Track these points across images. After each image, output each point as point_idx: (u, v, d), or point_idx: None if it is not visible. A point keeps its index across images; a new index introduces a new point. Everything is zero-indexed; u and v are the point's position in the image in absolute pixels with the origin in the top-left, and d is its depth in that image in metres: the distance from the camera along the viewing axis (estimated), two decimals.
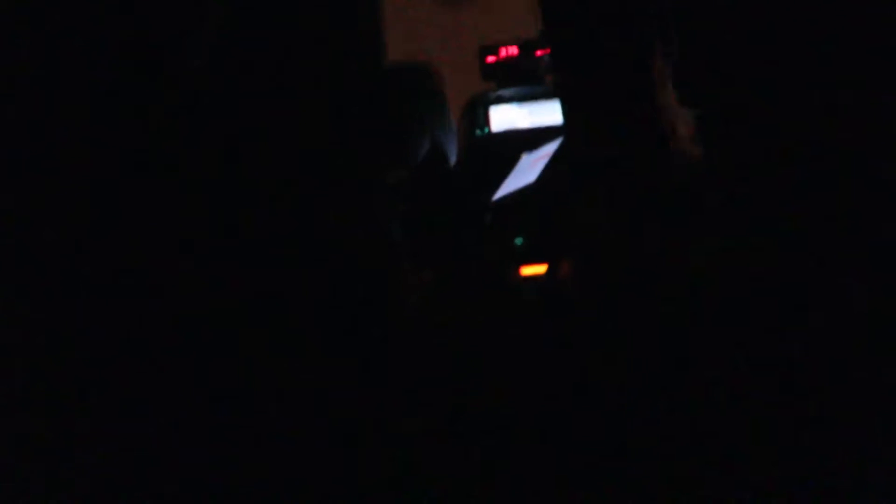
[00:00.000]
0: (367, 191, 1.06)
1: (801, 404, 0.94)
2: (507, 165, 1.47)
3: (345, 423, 0.99)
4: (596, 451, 1.07)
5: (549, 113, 1.61)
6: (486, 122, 1.59)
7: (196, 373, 0.93)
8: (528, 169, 1.43)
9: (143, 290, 0.92)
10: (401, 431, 1.01)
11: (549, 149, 1.43)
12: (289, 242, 0.99)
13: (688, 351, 1.04)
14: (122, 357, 0.91)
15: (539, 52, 1.62)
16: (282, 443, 0.95)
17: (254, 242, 0.97)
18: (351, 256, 1.03)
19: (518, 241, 1.46)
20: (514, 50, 1.62)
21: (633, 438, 1.04)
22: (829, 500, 0.91)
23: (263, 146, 0.98)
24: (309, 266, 0.99)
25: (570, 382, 1.18)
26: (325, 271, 1.00)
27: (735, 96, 0.99)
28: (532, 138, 1.53)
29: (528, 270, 1.44)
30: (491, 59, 1.63)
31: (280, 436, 0.96)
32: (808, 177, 0.95)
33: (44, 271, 0.90)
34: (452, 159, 1.35)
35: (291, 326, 0.97)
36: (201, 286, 0.94)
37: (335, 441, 0.97)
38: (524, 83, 1.65)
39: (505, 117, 1.61)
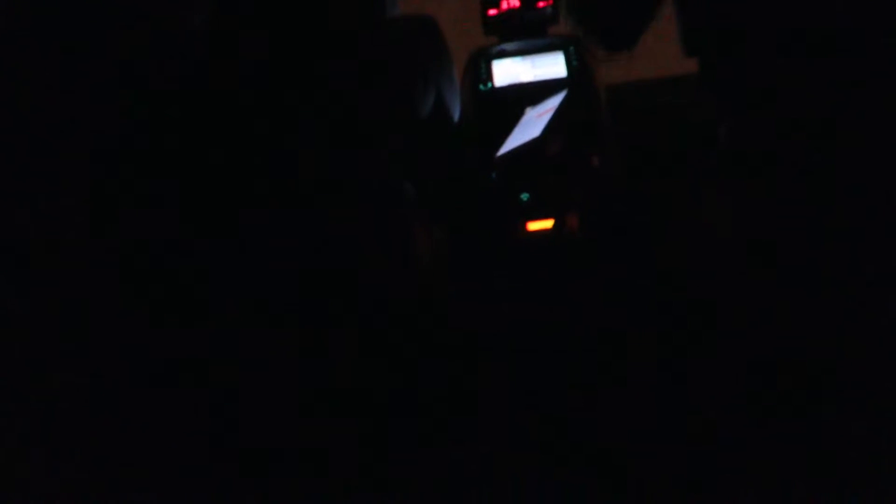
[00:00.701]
0: (376, 147, 1.06)
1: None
2: (511, 120, 1.46)
3: (357, 382, 1.00)
4: (604, 406, 1.08)
5: (552, 66, 1.59)
6: (490, 76, 1.58)
7: (215, 330, 0.93)
8: (533, 123, 1.42)
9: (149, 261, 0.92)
10: (416, 388, 1.02)
11: (554, 102, 1.42)
12: (302, 201, 0.99)
13: (695, 302, 1.04)
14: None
15: (541, 4, 1.59)
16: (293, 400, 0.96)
17: (269, 201, 0.97)
18: (363, 215, 1.03)
19: (524, 196, 1.45)
20: (515, 2, 1.60)
21: (639, 392, 1.05)
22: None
23: (268, 106, 0.98)
24: (321, 226, 0.99)
25: (577, 338, 1.18)
26: (338, 231, 1.00)
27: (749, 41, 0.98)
28: (536, 92, 1.51)
29: (534, 226, 1.44)
30: (492, 11, 1.61)
31: (291, 393, 0.97)
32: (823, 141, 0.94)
33: (47, 270, 0.90)
34: (456, 115, 1.34)
35: (305, 286, 0.97)
36: (219, 245, 0.94)
37: (346, 405, 0.98)
38: (526, 36, 1.62)
39: (508, 71, 1.59)
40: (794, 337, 0.94)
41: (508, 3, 1.60)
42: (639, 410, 1.04)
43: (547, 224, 1.43)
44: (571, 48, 1.57)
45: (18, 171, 0.89)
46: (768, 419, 0.95)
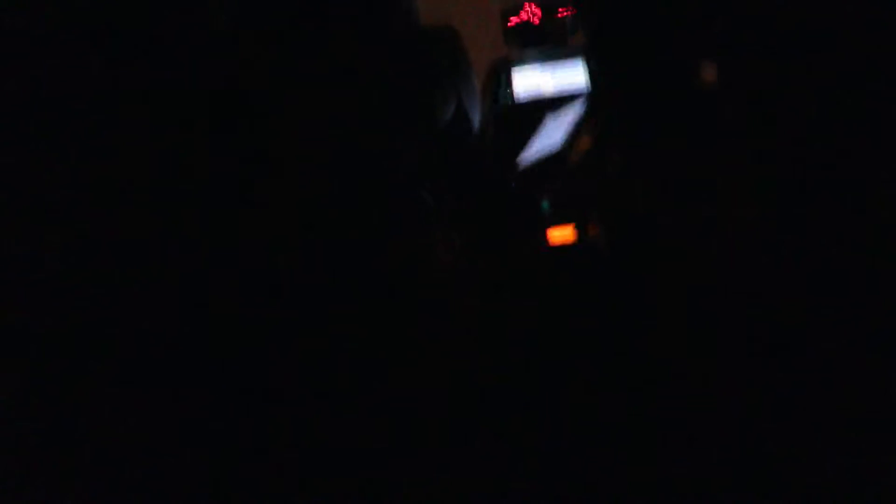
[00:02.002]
0: (397, 155, 1.06)
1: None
2: (531, 129, 1.46)
3: (374, 384, 1.00)
4: (626, 408, 1.07)
5: (573, 75, 1.59)
6: (510, 85, 1.58)
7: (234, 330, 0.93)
8: (553, 132, 1.42)
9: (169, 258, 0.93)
10: (430, 390, 1.02)
11: (573, 112, 1.42)
12: (320, 209, 1.00)
13: (718, 309, 1.03)
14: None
15: (562, 13, 1.60)
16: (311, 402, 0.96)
17: (285, 206, 0.97)
18: (383, 221, 1.03)
19: (545, 205, 1.45)
20: (536, 11, 1.61)
21: (662, 393, 1.05)
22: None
23: (291, 112, 0.98)
24: (341, 233, 1.00)
25: (599, 344, 1.18)
26: (358, 236, 1.00)
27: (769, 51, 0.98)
28: (556, 101, 1.52)
29: (555, 234, 1.44)
30: (513, 21, 1.62)
31: (309, 397, 0.97)
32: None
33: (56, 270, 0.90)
34: (476, 124, 1.35)
35: (323, 291, 0.98)
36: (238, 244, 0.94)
37: (363, 403, 0.98)
38: (547, 45, 1.63)
39: (528, 81, 1.60)
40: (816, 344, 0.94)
41: (529, 14, 1.61)
42: (670, 368, 1.03)
43: (568, 232, 1.43)
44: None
45: (25, 166, 0.89)
46: (772, 418, 0.94)
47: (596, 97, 1.47)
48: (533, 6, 1.59)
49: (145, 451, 0.90)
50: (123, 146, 0.91)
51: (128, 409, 0.90)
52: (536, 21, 1.60)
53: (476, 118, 1.33)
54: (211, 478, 0.91)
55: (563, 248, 1.43)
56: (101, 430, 0.89)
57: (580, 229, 1.41)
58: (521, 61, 1.62)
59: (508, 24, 1.61)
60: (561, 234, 1.44)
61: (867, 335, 0.92)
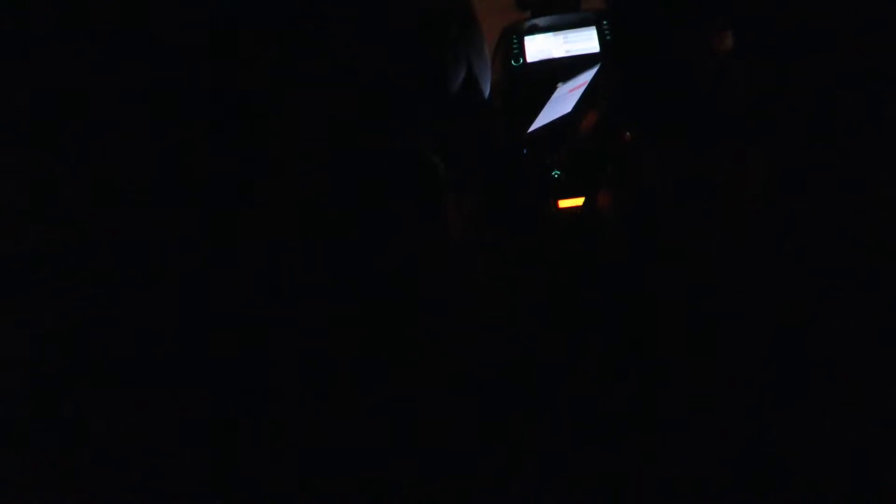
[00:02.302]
0: (406, 119, 1.05)
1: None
2: (542, 96, 1.45)
3: (380, 356, 1.01)
4: (631, 379, 1.07)
5: (584, 41, 1.57)
6: (522, 52, 1.56)
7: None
8: (564, 99, 1.41)
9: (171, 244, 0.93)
10: (438, 363, 1.02)
11: (585, 78, 1.40)
12: (330, 172, 0.99)
13: (727, 280, 1.03)
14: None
15: None
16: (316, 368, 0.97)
17: (295, 170, 0.97)
18: (392, 187, 1.03)
19: (556, 173, 1.44)
20: None
21: (666, 365, 1.04)
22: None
23: (298, 78, 0.98)
24: (351, 198, 0.99)
25: (606, 315, 1.18)
26: (367, 202, 1.00)
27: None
28: (568, 67, 1.50)
29: (565, 203, 1.43)
30: None
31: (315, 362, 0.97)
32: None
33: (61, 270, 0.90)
34: (487, 90, 1.34)
35: (331, 260, 0.98)
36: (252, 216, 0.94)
37: (369, 373, 0.99)
38: (559, 11, 1.61)
39: (540, 47, 1.58)
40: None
41: None
42: (676, 342, 1.03)
43: (578, 202, 1.42)
44: (604, 22, 1.55)
45: (26, 163, 0.89)
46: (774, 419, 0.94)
47: (608, 64, 1.45)
48: None
49: (141, 451, 0.90)
50: (120, 144, 0.90)
51: (125, 408, 0.90)
52: None
53: (486, 85, 1.32)
54: (209, 476, 0.91)
55: (573, 217, 1.42)
56: (100, 430, 0.89)
57: (591, 199, 1.40)
58: (533, 28, 1.60)
59: None
60: (571, 204, 1.43)
61: (866, 330, 0.91)
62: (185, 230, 0.92)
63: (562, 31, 1.58)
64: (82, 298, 0.89)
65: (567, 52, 1.56)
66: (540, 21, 1.60)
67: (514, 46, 1.57)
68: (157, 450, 0.89)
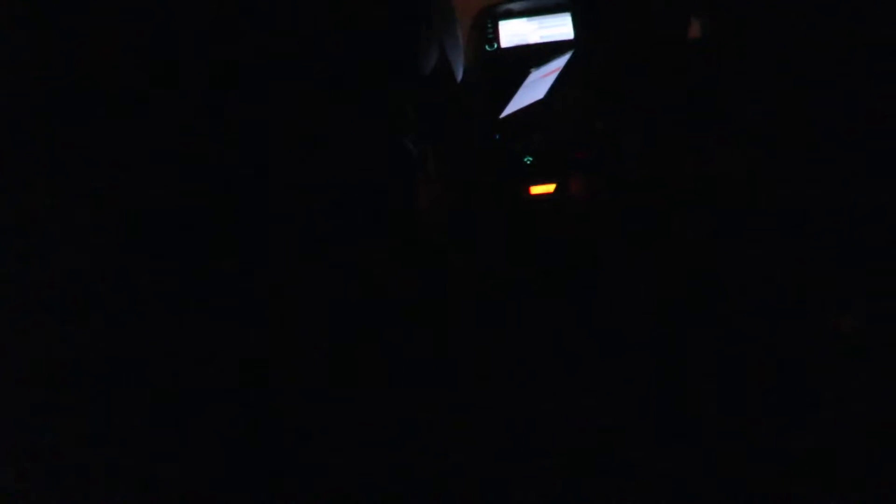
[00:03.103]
0: (378, 101, 1.05)
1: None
2: (516, 81, 1.44)
3: (354, 337, 1.00)
4: (600, 364, 1.08)
5: (559, 27, 1.57)
6: (496, 36, 1.56)
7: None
8: (537, 85, 1.40)
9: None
10: (409, 343, 1.02)
11: (558, 64, 1.40)
12: (301, 155, 0.98)
13: (697, 268, 1.03)
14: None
15: None
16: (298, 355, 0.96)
17: (265, 154, 0.96)
18: (364, 170, 1.02)
19: (528, 159, 1.44)
20: None
21: (636, 355, 1.05)
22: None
23: (263, 55, 0.96)
24: (322, 181, 0.99)
25: (577, 301, 1.18)
26: (338, 184, 0.99)
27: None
28: (542, 53, 1.50)
29: (537, 189, 1.43)
30: None
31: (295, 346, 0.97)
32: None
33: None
34: (460, 74, 1.33)
35: (303, 240, 0.97)
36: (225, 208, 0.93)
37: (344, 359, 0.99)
38: None
39: (514, 32, 1.57)
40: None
41: None
42: (644, 328, 1.04)
43: (550, 188, 1.42)
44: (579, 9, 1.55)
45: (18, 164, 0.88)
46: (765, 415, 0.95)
47: (582, 50, 1.45)
48: None
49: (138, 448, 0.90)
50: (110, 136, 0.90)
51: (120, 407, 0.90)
52: None
53: (460, 68, 1.31)
54: (201, 474, 0.91)
55: (543, 203, 1.42)
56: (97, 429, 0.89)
57: (561, 186, 1.40)
58: (508, 12, 1.59)
59: None
60: (542, 190, 1.43)
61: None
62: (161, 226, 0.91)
63: (537, 17, 1.57)
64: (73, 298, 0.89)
65: (542, 37, 1.56)
66: (515, 5, 1.59)
67: (489, 30, 1.56)
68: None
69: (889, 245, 0.91)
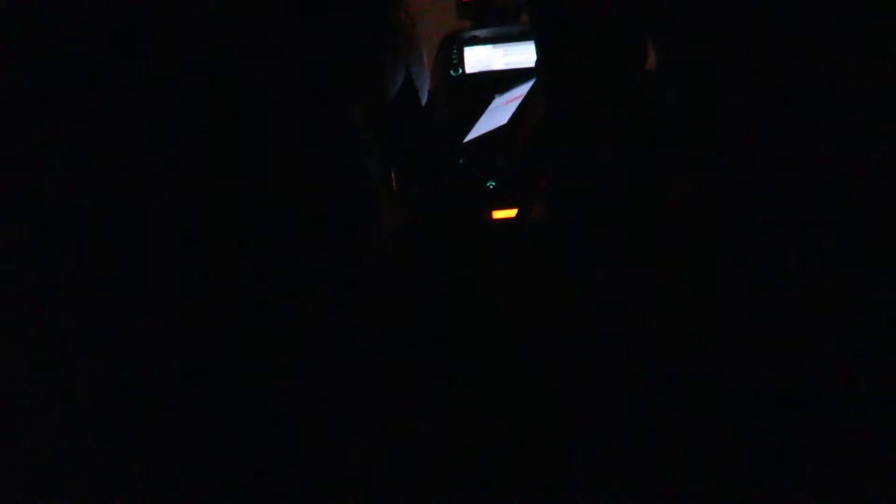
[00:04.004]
0: (343, 123, 1.05)
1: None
2: (480, 106, 1.46)
3: (319, 361, 1.00)
4: (563, 382, 1.08)
5: (524, 54, 1.59)
6: (461, 62, 1.57)
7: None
8: (501, 111, 1.42)
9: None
10: (375, 368, 1.01)
11: (522, 90, 1.42)
12: (263, 180, 0.98)
13: (660, 288, 1.04)
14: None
15: None
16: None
17: (232, 174, 0.96)
18: (327, 193, 1.02)
19: (490, 184, 1.45)
20: None
21: (609, 374, 1.05)
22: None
23: (233, 82, 0.96)
24: (285, 201, 0.99)
25: (542, 322, 1.19)
26: (302, 205, 0.99)
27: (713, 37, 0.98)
28: (507, 79, 1.51)
29: (499, 214, 1.44)
30: None
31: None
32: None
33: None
34: (425, 98, 1.34)
35: (266, 264, 0.97)
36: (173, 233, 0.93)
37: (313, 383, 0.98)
38: (500, 22, 1.62)
39: (479, 58, 1.59)
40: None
41: None
42: (613, 349, 1.04)
43: (511, 213, 1.43)
44: None
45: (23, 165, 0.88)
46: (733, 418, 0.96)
47: (543, 77, 1.46)
48: None
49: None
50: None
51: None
52: None
53: (425, 92, 1.32)
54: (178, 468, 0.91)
55: (505, 227, 1.43)
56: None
57: (524, 211, 1.41)
58: (474, 38, 1.61)
59: None
60: (504, 215, 1.44)
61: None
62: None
63: (502, 44, 1.59)
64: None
65: (506, 64, 1.58)
66: (481, 32, 1.61)
67: (454, 56, 1.57)
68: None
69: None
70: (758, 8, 0.93)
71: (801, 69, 0.91)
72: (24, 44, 0.89)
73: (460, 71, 1.57)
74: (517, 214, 1.42)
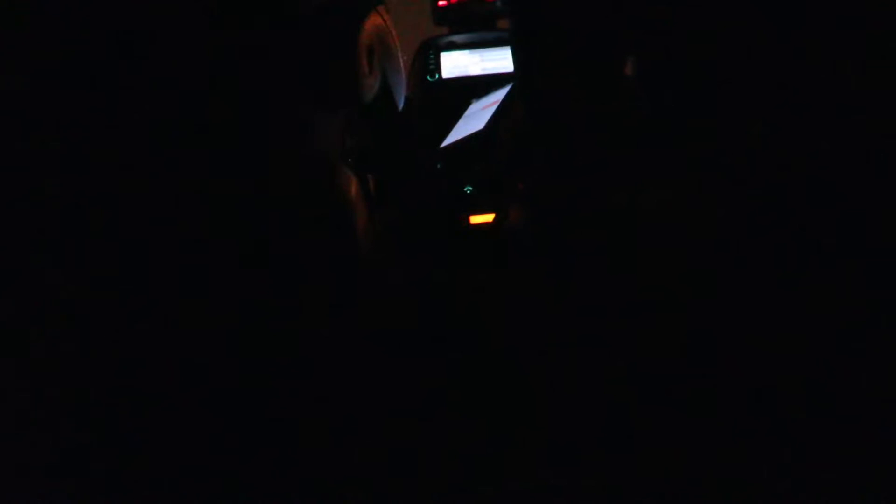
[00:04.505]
0: (319, 126, 1.05)
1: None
2: (457, 111, 1.46)
3: (294, 364, 0.99)
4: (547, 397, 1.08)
5: (500, 60, 1.59)
6: (438, 67, 1.58)
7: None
8: (478, 116, 1.42)
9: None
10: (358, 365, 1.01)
11: (498, 96, 1.42)
12: (240, 182, 0.98)
13: (640, 292, 1.05)
14: None
15: None
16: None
17: (205, 177, 0.95)
18: (303, 196, 1.02)
19: (468, 189, 1.45)
20: None
21: (586, 391, 1.06)
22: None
23: (208, 81, 0.96)
24: (260, 205, 0.98)
25: (520, 327, 1.19)
26: (278, 210, 0.99)
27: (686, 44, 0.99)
28: (483, 85, 1.52)
29: (476, 219, 1.44)
30: (443, 3, 1.61)
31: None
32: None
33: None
34: (401, 103, 1.34)
35: (243, 265, 0.96)
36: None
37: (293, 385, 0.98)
38: (476, 28, 1.63)
39: (456, 63, 1.59)
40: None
41: None
42: (590, 353, 1.05)
43: (489, 218, 1.44)
44: None
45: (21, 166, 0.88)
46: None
47: (522, 83, 1.47)
48: None
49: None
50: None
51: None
52: (466, 3, 1.60)
53: (401, 97, 1.32)
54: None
55: (482, 232, 1.43)
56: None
57: (501, 215, 1.41)
58: (450, 44, 1.61)
59: (438, 4, 1.60)
60: (482, 220, 1.44)
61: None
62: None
63: (478, 50, 1.60)
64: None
65: (483, 70, 1.58)
66: (457, 38, 1.61)
67: (431, 61, 1.58)
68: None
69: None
70: (758, 8, 0.93)
71: (801, 69, 0.92)
72: (24, 44, 0.89)
73: (437, 76, 1.57)
74: (494, 219, 1.42)
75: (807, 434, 0.92)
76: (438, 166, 1.46)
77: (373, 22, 1.13)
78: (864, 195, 0.91)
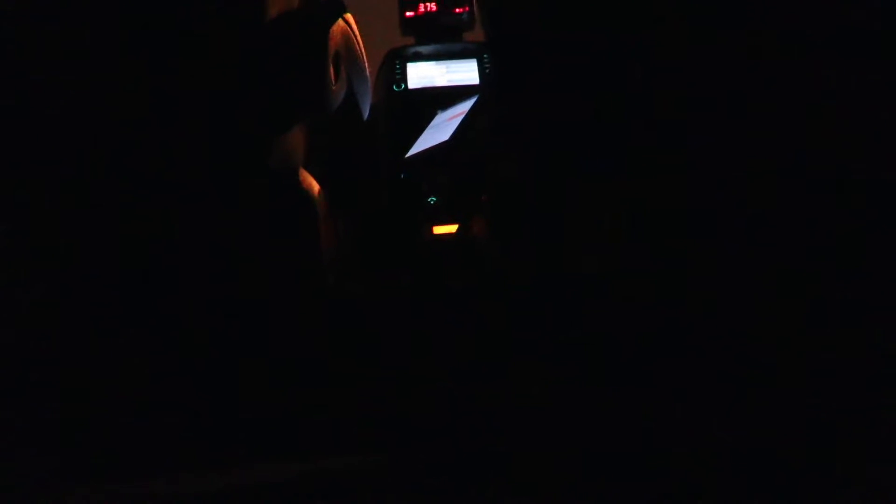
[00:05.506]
0: (282, 136, 1.04)
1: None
2: (422, 122, 1.46)
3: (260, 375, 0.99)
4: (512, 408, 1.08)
5: (466, 72, 1.60)
6: (404, 77, 1.58)
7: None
8: (443, 127, 1.42)
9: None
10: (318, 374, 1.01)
11: (464, 107, 1.43)
12: (201, 189, 0.97)
13: (601, 306, 1.05)
14: None
15: (458, 10, 1.61)
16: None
17: (171, 190, 0.95)
18: (267, 206, 1.01)
19: (432, 200, 1.46)
20: (433, 6, 1.61)
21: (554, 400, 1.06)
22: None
23: (172, 94, 0.95)
24: (223, 217, 0.98)
25: (483, 337, 1.19)
26: (240, 222, 0.98)
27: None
28: (448, 96, 1.53)
29: (440, 230, 1.45)
30: (410, 13, 1.62)
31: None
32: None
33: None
34: (366, 112, 1.34)
35: (207, 277, 0.96)
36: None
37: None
38: (442, 39, 1.64)
39: (422, 74, 1.60)
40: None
41: (426, 7, 1.61)
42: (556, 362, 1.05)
43: (452, 228, 1.44)
44: (485, 55, 1.59)
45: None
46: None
47: (488, 94, 1.48)
48: (430, 1, 1.60)
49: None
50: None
51: None
52: (433, 15, 1.61)
53: (366, 106, 1.32)
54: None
55: (446, 243, 1.43)
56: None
57: (464, 227, 1.42)
58: (417, 55, 1.62)
59: (405, 15, 1.61)
60: (445, 230, 1.44)
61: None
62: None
63: (444, 61, 1.60)
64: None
65: (449, 81, 1.59)
66: (423, 48, 1.62)
67: (397, 71, 1.58)
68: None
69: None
70: (760, 9, 0.94)
71: (800, 69, 0.92)
72: (24, 44, 0.88)
73: (403, 86, 1.57)
74: (458, 230, 1.43)
75: (807, 435, 0.93)
76: (403, 176, 1.46)
77: (339, 28, 1.13)
78: (865, 195, 0.93)
